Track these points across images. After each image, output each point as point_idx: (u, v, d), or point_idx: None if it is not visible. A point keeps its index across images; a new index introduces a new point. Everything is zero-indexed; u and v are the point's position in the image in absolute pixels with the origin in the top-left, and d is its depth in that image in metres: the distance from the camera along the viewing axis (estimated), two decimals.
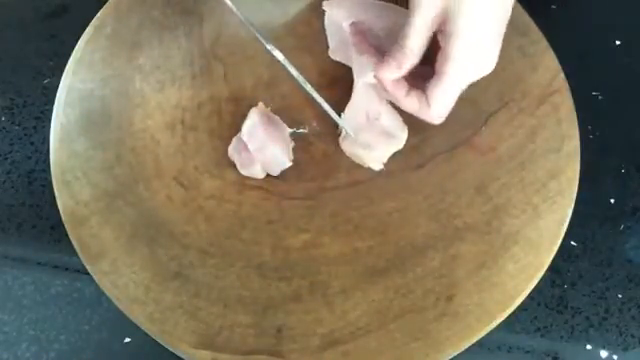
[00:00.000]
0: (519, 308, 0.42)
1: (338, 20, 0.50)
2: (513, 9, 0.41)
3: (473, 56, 0.41)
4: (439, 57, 0.41)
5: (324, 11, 0.51)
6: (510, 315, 0.41)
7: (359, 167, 0.46)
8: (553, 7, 0.58)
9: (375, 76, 0.44)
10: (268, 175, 0.46)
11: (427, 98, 0.43)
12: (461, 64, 0.41)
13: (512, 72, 0.49)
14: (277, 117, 0.47)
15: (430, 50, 0.42)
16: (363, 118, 0.47)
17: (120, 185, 0.46)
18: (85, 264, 0.43)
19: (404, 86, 0.43)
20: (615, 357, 0.45)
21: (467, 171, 0.46)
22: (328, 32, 0.51)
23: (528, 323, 0.46)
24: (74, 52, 0.50)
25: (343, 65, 0.50)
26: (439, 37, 0.41)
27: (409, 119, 0.47)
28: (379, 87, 0.45)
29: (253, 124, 0.45)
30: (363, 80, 0.46)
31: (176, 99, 0.49)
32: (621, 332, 0.45)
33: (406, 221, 0.44)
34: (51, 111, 0.48)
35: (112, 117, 0.48)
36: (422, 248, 0.43)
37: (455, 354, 0.41)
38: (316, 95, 0.46)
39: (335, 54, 0.50)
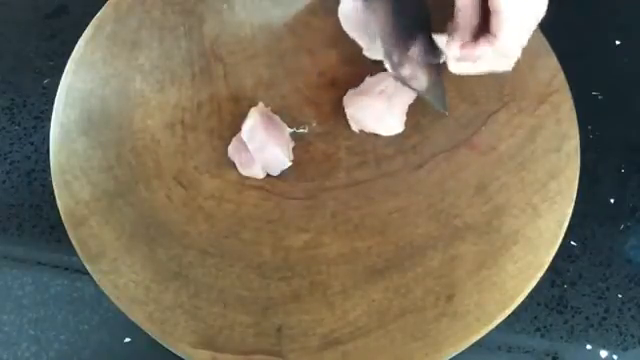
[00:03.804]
0: (519, 308, 0.42)
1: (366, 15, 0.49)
2: None
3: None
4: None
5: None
6: (510, 315, 0.41)
7: (359, 167, 0.47)
8: (553, 7, 0.58)
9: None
10: (268, 175, 0.46)
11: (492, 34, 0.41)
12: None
13: (512, 72, 0.49)
14: (277, 117, 0.47)
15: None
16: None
17: (120, 185, 0.46)
18: (85, 264, 0.43)
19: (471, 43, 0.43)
20: (615, 357, 0.45)
21: (467, 171, 0.46)
22: (353, 30, 0.49)
23: (528, 323, 0.46)
24: (74, 52, 0.50)
25: (343, 65, 0.50)
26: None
27: (410, 119, 0.47)
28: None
29: (253, 124, 0.45)
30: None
31: (176, 99, 0.49)
32: (621, 332, 0.45)
33: (406, 221, 0.44)
34: (51, 111, 0.48)
35: (112, 117, 0.48)
36: (422, 248, 0.43)
37: (455, 354, 0.41)
38: None
39: (372, 52, 0.49)
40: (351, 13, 0.49)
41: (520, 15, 0.40)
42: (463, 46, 0.43)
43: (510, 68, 0.43)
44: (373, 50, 0.49)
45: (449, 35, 0.43)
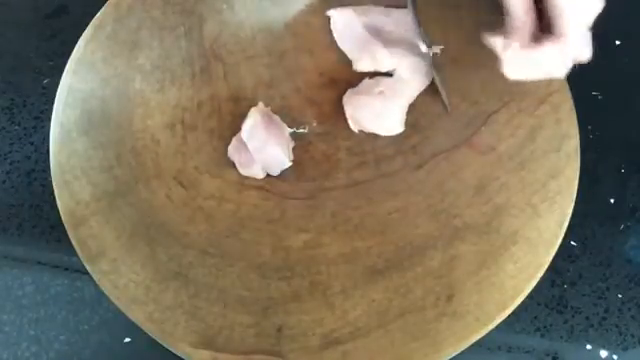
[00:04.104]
0: (519, 308, 0.42)
1: (354, 25, 0.49)
2: None
3: None
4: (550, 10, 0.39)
5: (328, 18, 0.51)
6: (510, 315, 0.41)
7: (359, 167, 0.47)
8: None
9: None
10: (268, 175, 0.46)
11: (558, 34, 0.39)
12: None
13: None
14: (277, 117, 0.47)
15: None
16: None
17: (120, 185, 0.46)
18: (85, 264, 0.43)
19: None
20: (615, 357, 0.45)
21: (467, 171, 0.46)
22: (344, 44, 0.50)
23: (528, 323, 0.46)
24: (74, 52, 0.50)
25: (343, 65, 0.50)
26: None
27: (410, 119, 0.47)
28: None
29: (253, 124, 0.45)
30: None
31: (176, 99, 0.49)
32: (621, 332, 0.45)
33: (406, 221, 0.44)
34: (51, 111, 0.48)
35: (112, 117, 0.48)
36: (422, 248, 0.43)
37: (455, 354, 0.41)
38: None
39: (361, 64, 0.49)
40: (342, 27, 0.50)
41: (582, 12, 0.39)
42: (525, 48, 0.40)
43: (564, 74, 0.41)
44: (362, 62, 0.49)
45: (505, 37, 0.41)
